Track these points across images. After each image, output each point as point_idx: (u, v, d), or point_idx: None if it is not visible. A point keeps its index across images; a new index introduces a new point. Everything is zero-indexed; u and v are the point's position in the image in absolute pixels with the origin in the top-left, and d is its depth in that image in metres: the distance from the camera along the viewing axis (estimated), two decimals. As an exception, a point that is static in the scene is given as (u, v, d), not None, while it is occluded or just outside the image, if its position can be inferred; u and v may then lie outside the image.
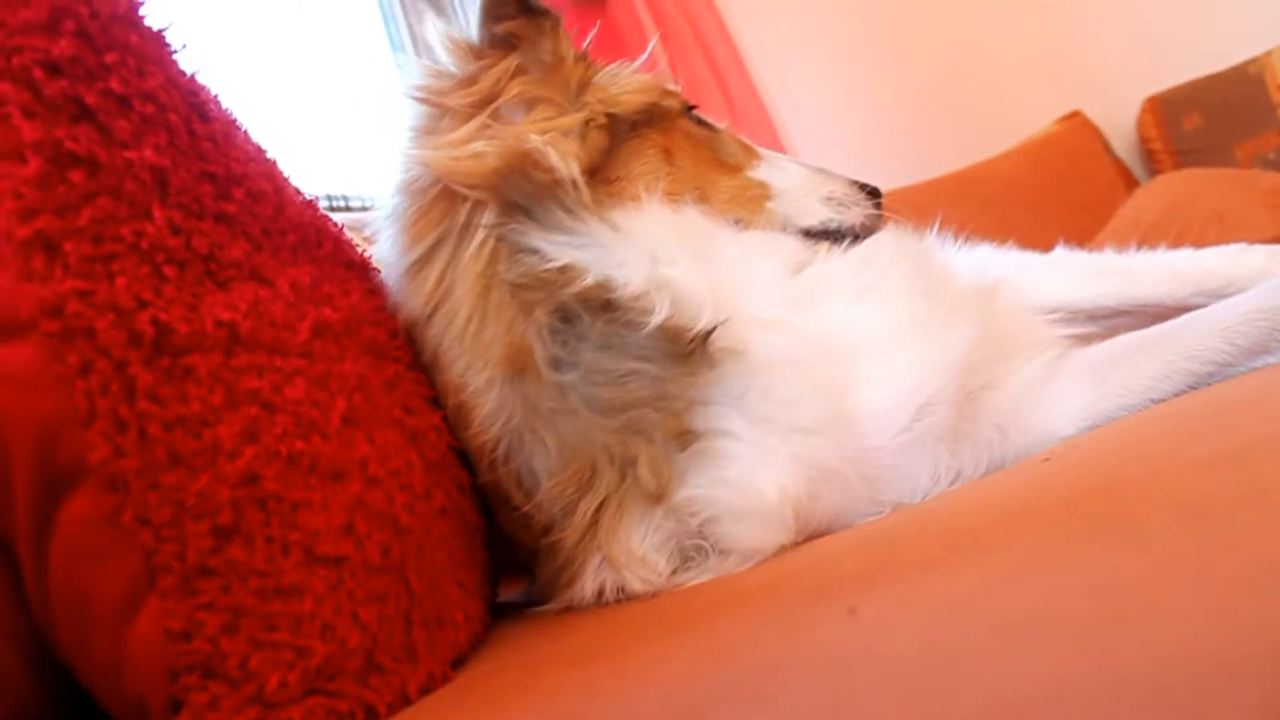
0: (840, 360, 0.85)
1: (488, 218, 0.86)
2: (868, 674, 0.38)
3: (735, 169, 1.05)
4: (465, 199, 0.87)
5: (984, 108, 3.38)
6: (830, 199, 1.05)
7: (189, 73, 0.77)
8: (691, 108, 1.08)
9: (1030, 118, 3.25)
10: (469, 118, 0.91)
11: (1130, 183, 3.15)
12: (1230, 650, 0.28)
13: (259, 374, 0.68)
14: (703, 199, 0.98)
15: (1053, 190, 2.97)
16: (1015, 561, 0.44)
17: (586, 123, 0.92)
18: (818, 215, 1.04)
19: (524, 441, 0.85)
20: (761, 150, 1.12)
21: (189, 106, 0.75)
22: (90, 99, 0.65)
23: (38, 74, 0.63)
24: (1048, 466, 0.76)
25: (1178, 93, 3.12)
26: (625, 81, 1.01)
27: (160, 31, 0.75)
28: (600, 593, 0.83)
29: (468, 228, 0.87)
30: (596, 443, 0.82)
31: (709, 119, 1.10)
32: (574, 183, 0.86)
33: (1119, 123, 3.23)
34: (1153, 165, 3.18)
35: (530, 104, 0.93)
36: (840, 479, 0.82)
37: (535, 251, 0.85)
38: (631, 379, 0.82)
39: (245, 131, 0.85)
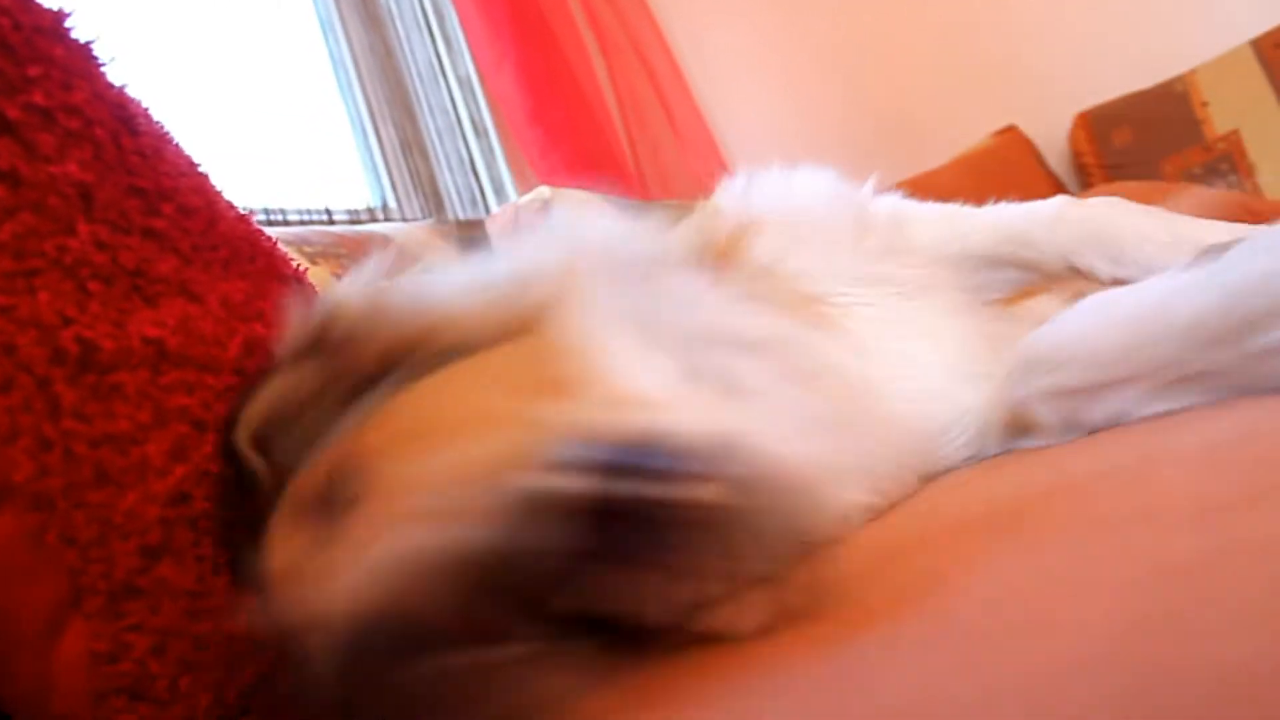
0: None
1: None
2: (767, 690, 0.39)
3: None
4: None
5: (921, 121, 3.43)
6: None
7: (118, 85, 0.76)
8: None
9: (967, 131, 3.30)
10: None
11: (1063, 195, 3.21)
12: (1097, 652, 0.30)
13: (189, 391, 0.67)
14: None
15: (989, 202, 3.01)
16: (917, 578, 0.46)
17: None
18: None
19: None
20: None
21: (117, 120, 0.74)
22: (12, 113, 0.64)
23: (-43, 88, 0.62)
24: (962, 486, 0.77)
25: (1108, 109, 3.19)
26: None
27: (88, 44, 0.74)
28: None
29: None
30: None
31: None
32: None
33: (1052, 137, 3.30)
34: (1084, 178, 3.24)
35: None
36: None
37: None
38: None
39: (177, 145, 0.84)
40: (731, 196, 1.08)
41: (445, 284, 0.79)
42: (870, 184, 1.17)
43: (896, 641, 0.40)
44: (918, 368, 0.90)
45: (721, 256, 0.94)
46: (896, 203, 1.17)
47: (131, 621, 0.61)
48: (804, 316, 0.88)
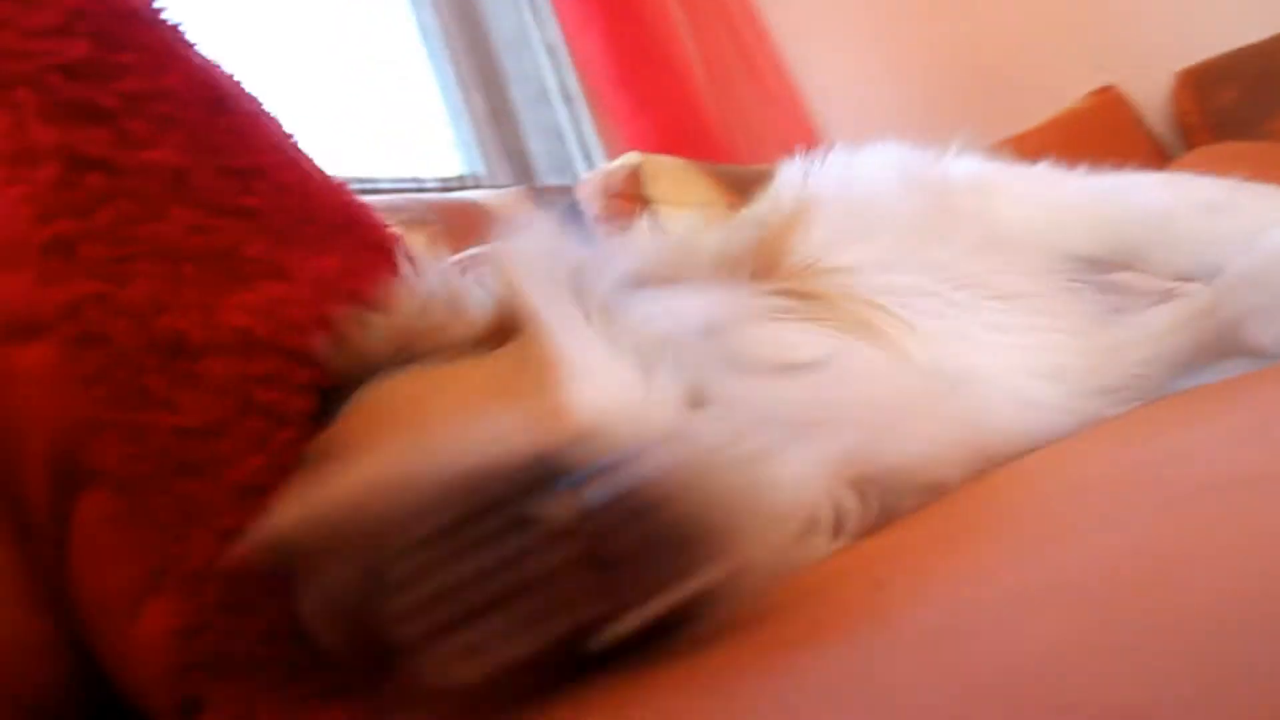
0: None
1: None
2: (890, 641, 0.39)
3: None
4: None
5: (1014, 82, 3.33)
6: None
7: (209, 65, 0.77)
8: None
9: (1061, 92, 3.20)
10: None
11: (1164, 158, 3.10)
12: (1227, 603, 0.29)
13: (272, 382, 0.68)
14: None
15: (1084, 165, 2.93)
16: (1041, 531, 0.45)
17: None
18: None
19: None
20: None
21: (208, 101, 0.75)
22: (106, 101, 0.65)
23: (53, 78, 0.63)
24: (1065, 449, 0.75)
25: (1213, 65, 3.07)
26: None
27: (178, 26, 0.75)
28: None
29: None
30: None
31: None
32: None
33: (1153, 96, 3.18)
34: (1188, 139, 3.13)
35: None
36: None
37: None
38: None
39: (269, 120, 0.84)
40: (788, 184, 1.01)
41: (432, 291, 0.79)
42: (952, 150, 1.11)
43: (1017, 592, 0.39)
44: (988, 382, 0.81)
45: (767, 256, 0.86)
46: (980, 170, 1.09)
47: (210, 600, 0.62)
48: (849, 324, 0.80)
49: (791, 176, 1.02)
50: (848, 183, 1.01)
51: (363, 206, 0.94)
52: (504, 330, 0.74)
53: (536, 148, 2.78)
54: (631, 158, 2.14)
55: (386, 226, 0.96)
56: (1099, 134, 3.07)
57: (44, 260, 0.61)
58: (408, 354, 0.73)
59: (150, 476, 0.61)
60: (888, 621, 0.43)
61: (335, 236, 0.85)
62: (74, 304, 0.61)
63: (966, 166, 1.09)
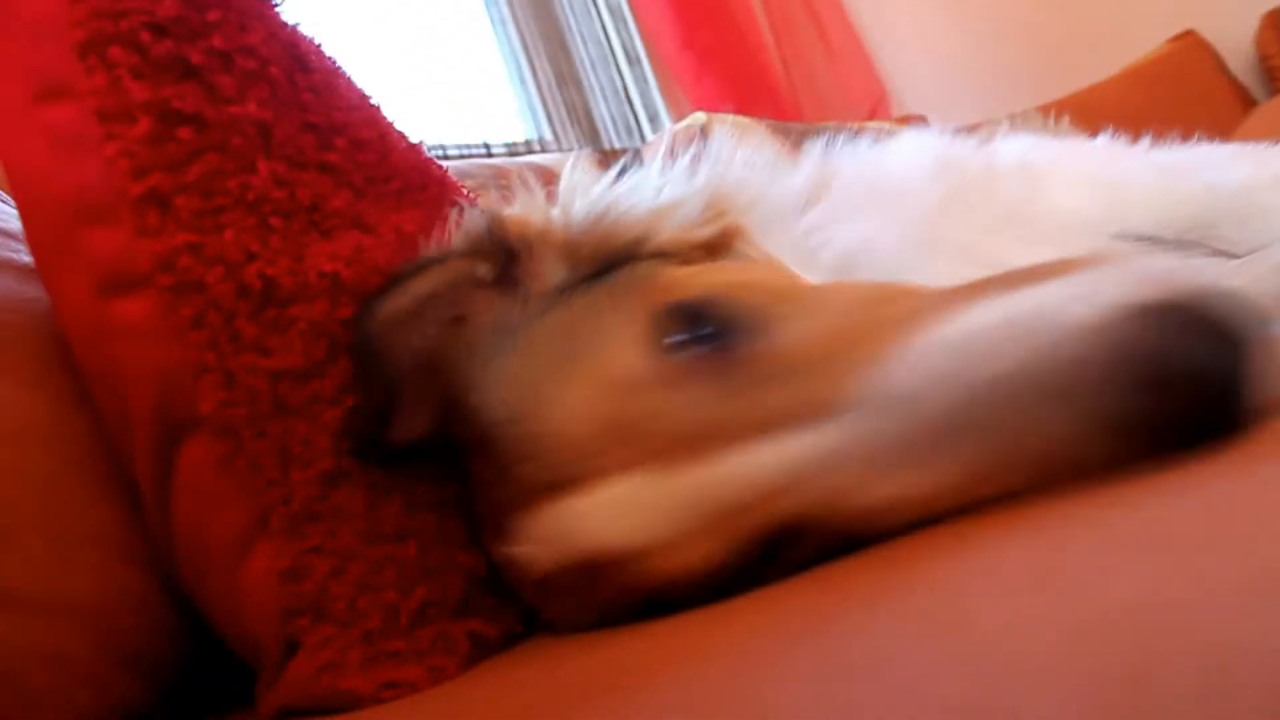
0: None
1: None
2: (980, 588, 0.39)
3: None
4: None
5: (1089, 30, 3.25)
6: None
7: (290, 25, 0.79)
8: None
9: (1140, 39, 3.12)
10: None
11: (1249, 104, 3.02)
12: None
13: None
14: None
15: (1165, 115, 2.83)
16: (1132, 483, 0.44)
17: None
18: None
19: None
20: None
21: (290, 59, 0.76)
22: (195, 57, 0.67)
23: (144, 36, 0.65)
24: None
25: (1300, 5, 2.98)
26: None
27: (260, -14, 0.77)
28: None
29: None
30: None
31: None
32: None
33: (1235, 40, 3.08)
34: (1273, 83, 3.03)
35: None
36: None
37: None
38: None
39: (348, 80, 0.86)
40: (809, 159, 0.96)
41: (641, 197, 0.77)
42: (1002, 130, 1.07)
43: (1109, 541, 0.39)
44: None
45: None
46: (1029, 152, 1.03)
47: (312, 544, 0.64)
48: None
49: (813, 152, 0.97)
50: (877, 163, 0.98)
51: (440, 167, 0.96)
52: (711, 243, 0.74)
53: (601, 111, 2.78)
54: (697, 117, 2.13)
55: (464, 188, 0.98)
56: (1179, 82, 2.98)
57: (140, 214, 0.63)
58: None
59: (249, 420, 0.63)
60: (975, 568, 0.42)
61: (414, 194, 0.86)
62: (170, 255, 0.63)
63: (1015, 149, 1.05)
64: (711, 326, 0.59)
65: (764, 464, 0.53)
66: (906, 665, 0.34)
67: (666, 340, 0.59)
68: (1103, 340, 0.46)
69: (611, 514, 0.56)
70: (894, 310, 0.56)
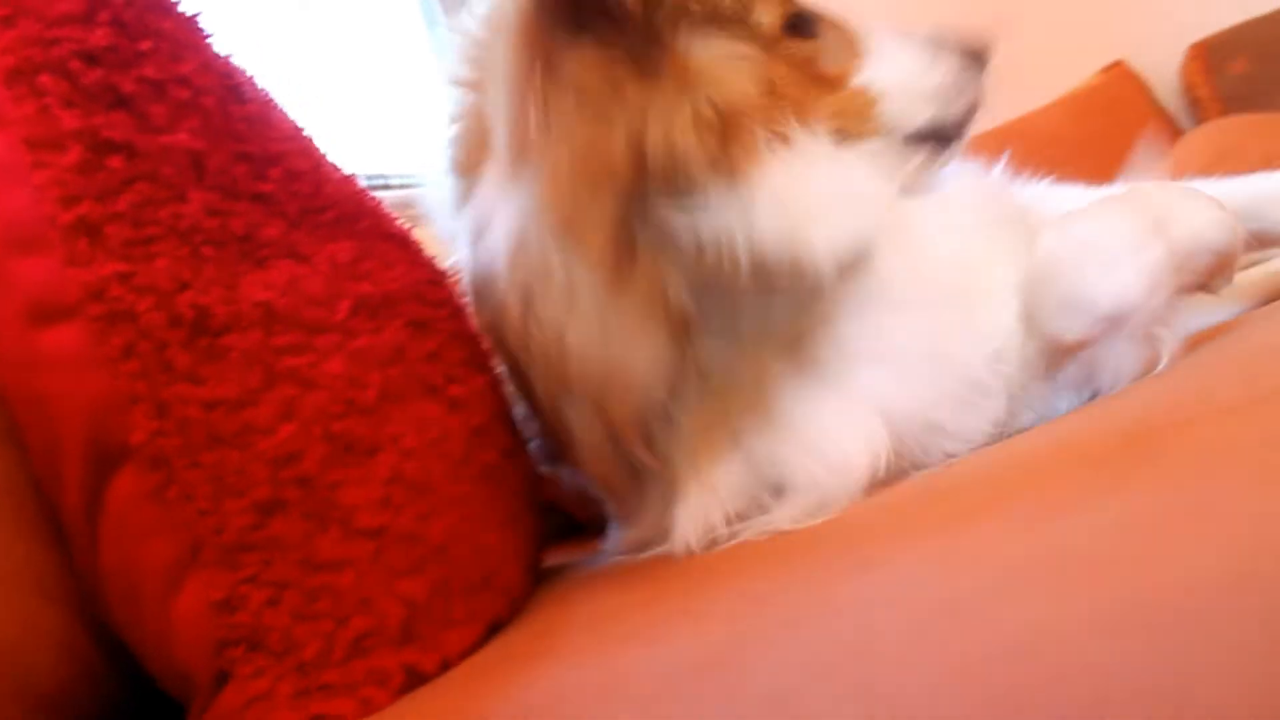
0: (956, 300, 0.88)
1: (612, 204, 0.84)
2: (885, 620, 0.39)
3: (839, 79, 0.98)
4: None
5: (1024, 61, 3.31)
6: (937, 95, 1.00)
7: (224, 55, 0.79)
8: (792, 16, 0.98)
9: (1071, 69, 3.20)
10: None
11: (1176, 133, 3.09)
12: (1227, 579, 0.29)
13: (296, 353, 0.69)
14: (814, 124, 0.92)
15: (1096, 143, 2.92)
16: (1034, 509, 0.45)
17: (695, 110, 0.86)
18: (923, 115, 0.98)
19: (671, 395, 0.85)
20: (868, 35, 1.03)
21: (224, 89, 0.76)
22: (126, 86, 0.67)
23: (75, 64, 0.65)
24: (1082, 415, 0.77)
25: (1223, 38, 3.05)
26: (716, 49, 0.92)
27: (194, 16, 0.77)
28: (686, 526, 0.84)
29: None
30: (730, 378, 0.84)
31: (811, 13, 1.01)
32: (694, 161, 0.84)
33: (1163, 71, 3.17)
34: (1199, 113, 3.11)
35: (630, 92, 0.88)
36: (930, 427, 0.85)
37: (667, 229, 0.84)
38: (769, 320, 0.85)
39: (282, 111, 0.86)
40: None
41: None
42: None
43: (1009, 569, 0.40)
44: None
45: None
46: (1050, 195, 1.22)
47: (247, 574, 0.64)
48: None
49: None
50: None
51: (374, 198, 0.96)
52: None
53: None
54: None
55: (399, 219, 0.98)
56: (1110, 111, 3.06)
57: (69, 243, 0.63)
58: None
59: (181, 450, 0.63)
60: (873, 603, 0.43)
61: (349, 225, 0.86)
62: (100, 284, 0.63)
63: (1034, 192, 1.20)
64: None
65: None
66: (808, 699, 0.34)
67: None
68: None
69: None
70: None
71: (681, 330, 0.84)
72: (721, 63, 0.90)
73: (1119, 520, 0.40)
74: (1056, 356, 0.85)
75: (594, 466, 0.93)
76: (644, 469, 0.87)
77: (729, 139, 0.86)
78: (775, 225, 0.82)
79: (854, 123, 0.96)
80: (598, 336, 0.84)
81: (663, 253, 0.83)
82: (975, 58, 1.03)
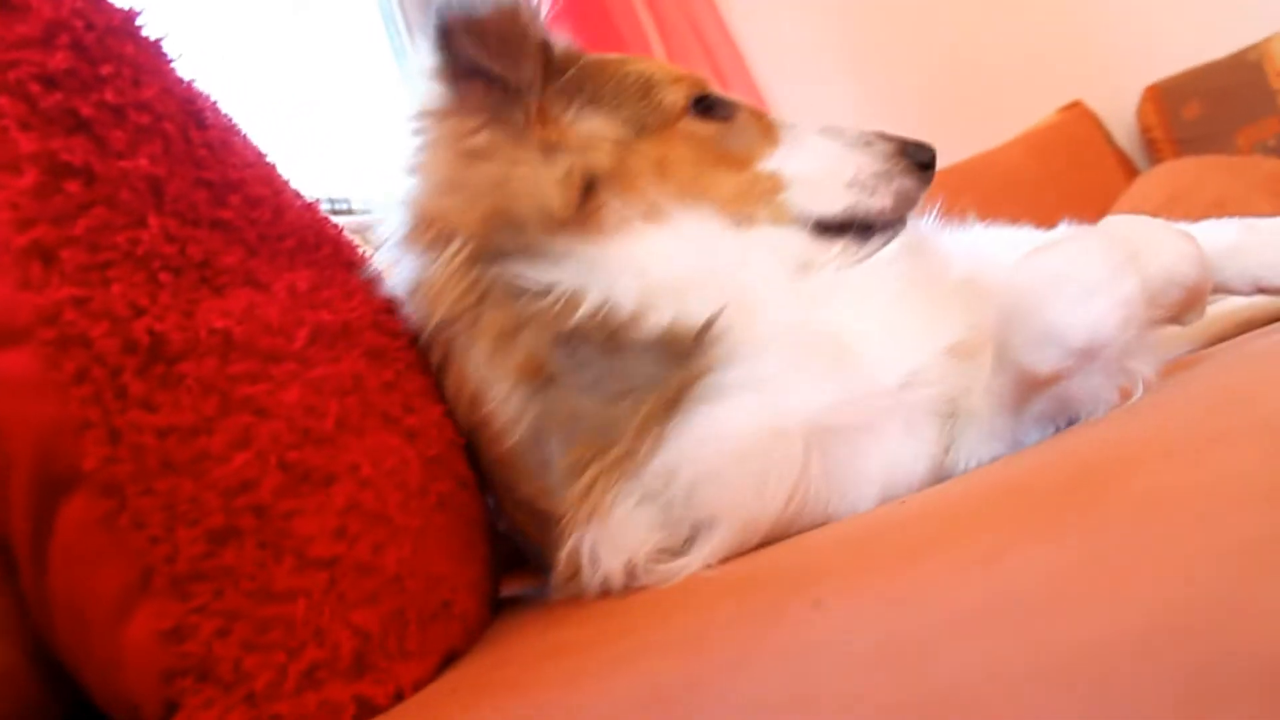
0: (838, 341, 0.88)
1: (473, 258, 0.89)
2: (827, 664, 0.39)
3: (744, 162, 1.00)
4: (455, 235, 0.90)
5: (985, 99, 3.38)
6: (854, 184, 0.99)
7: (186, 80, 0.78)
8: (701, 98, 1.01)
9: (1031, 108, 3.25)
10: (450, 155, 0.93)
11: (1131, 172, 3.15)
12: (1159, 626, 0.30)
13: (253, 381, 0.69)
14: (703, 202, 0.95)
15: (1055, 180, 2.97)
16: (979, 553, 0.46)
17: (567, 171, 0.91)
18: (837, 204, 0.98)
19: (540, 439, 0.87)
20: (791, 128, 1.06)
21: (185, 114, 0.76)
22: (86, 110, 0.66)
23: (34, 87, 0.64)
24: (1034, 453, 0.78)
25: (1177, 81, 3.12)
26: (603, 120, 0.97)
27: (157, 41, 0.76)
28: (595, 567, 0.84)
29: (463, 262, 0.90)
30: (604, 423, 0.84)
31: (726, 100, 1.04)
32: (558, 220, 0.88)
33: (1119, 112, 3.24)
34: (1153, 154, 3.18)
35: (503, 154, 0.93)
36: (836, 435, 0.84)
37: (526, 289, 0.87)
38: (637, 377, 0.85)
39: (244, 136, 0.86)
40: None
41: None
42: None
43: (952, 614, 0.40)
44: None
45: None
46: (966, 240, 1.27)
47: (197, 603, 0.63)
48: None
49: None
50: None
51: (335, 226, 0.96)
52: None
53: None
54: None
55: (358, 247, 0.98)
56: (1068, 150, 3.12)
57: (23, 266, 0.62)
58: None
59: (134, 476, 0.62)
60: (817, 646, 0.44)
61: (308, 253, 0.86)
62: (53, 309, 0.62)
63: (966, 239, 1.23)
64: None
65: None
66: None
67: None
68: None
69: None
70: None
71: (535, 376, 0.86)
72: (598, 137, 0.94)
73: (1055, 566, 0.41)
74: (1028, 390, 0.84)
75: (508, 512, 0.96)
76: (544, 511, 0.88)
77: (593, 206, 0.90)
78: (631, 292, 0.85)
79: (755, 205, 0.97)
80: (462, 381, 0.90)
81: (515, 302, 0.87)
82: (909, 154, 1.02)
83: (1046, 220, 1.89)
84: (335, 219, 0.99)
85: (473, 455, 0.93)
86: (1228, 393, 0.76)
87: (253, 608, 0.64)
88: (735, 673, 0.44)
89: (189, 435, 0.64)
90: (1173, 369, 0.90)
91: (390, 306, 0.93)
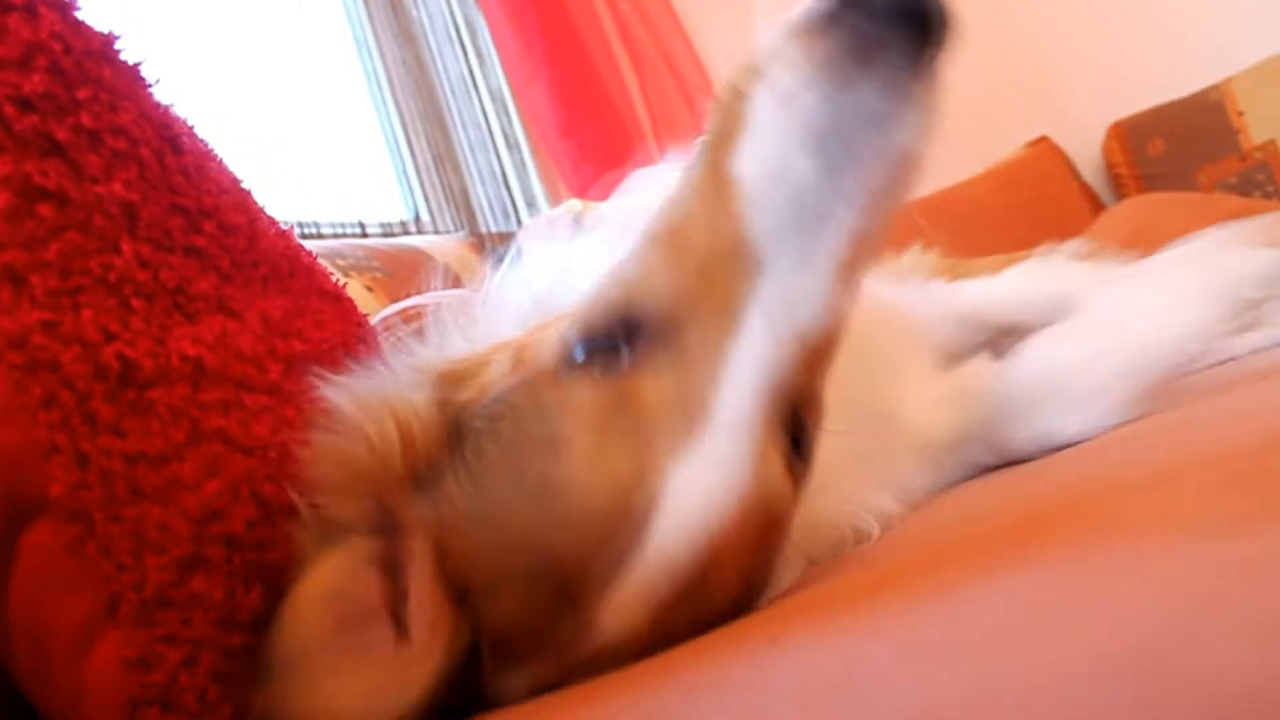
0: None
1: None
2: (786, 692, 0.40)
3: None
4: None
5: (953, 134, 3.40)
6: None
7: (163, 105, 0.78)
8: None
9: (999, 143, 3.29)
10: None
11: (1097, 206, 3.20)
12: (1112, 655, 0.31)
13: (225, 409, 0.68)
14: None
15: (1022, 214, 3.01)
16: (932, 587, 0.47)
17: None
18: None
19: None
20: None
21: (161, 140, 0.76)
22: (61, 134, 0.66)
23: (8, 110, 0.64)
24: (985, 494, 0.80)
25: (1142, 119, 3.18)
26: None
27: (135, 65, 0.76)
28: None
29: None
30: None
31: None
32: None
33: (1085, 148, 3.28)
34: (1118, 189, 3.23)
35: None
36: None
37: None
38: None
39: (219, 162, 0.86)
40: None
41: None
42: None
43: (907, 647, 0.41)
44: None
45: None
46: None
47: (164, 632, 0.62)
48: None
49: None
50: None
51: (310, 254, 0.96)
52: None
53: (479, 194, 2.79)
54: (574, 204, 2.16)
55: (331, 275, 0.97)
56: (1035, 184, 3.16)
57: (-7, 290, 0.62)
58: None
59: (102, 503, 0.61)
60: (771, 679, 0.44)
61: (282, 281, 0.86)
62: (23, 333, 0.61)
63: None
64: None
65: None
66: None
67: None
68: None
69: None
70: None
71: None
72: None
73: (1011, 600, 0.42)
74: (1003, 458, 0.93)
75: None
76: None
77: None
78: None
79: None
80: None
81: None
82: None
83: (1015, 251, 1.92)
84: (306, 244, 0.99)
85: None
86: (1180, 427, 0.77)
87: (220, 637, 0.64)
88: (692, 704, 0.44)
89: (159, 462, 0.64)
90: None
91: (364, 336, 0.92)
